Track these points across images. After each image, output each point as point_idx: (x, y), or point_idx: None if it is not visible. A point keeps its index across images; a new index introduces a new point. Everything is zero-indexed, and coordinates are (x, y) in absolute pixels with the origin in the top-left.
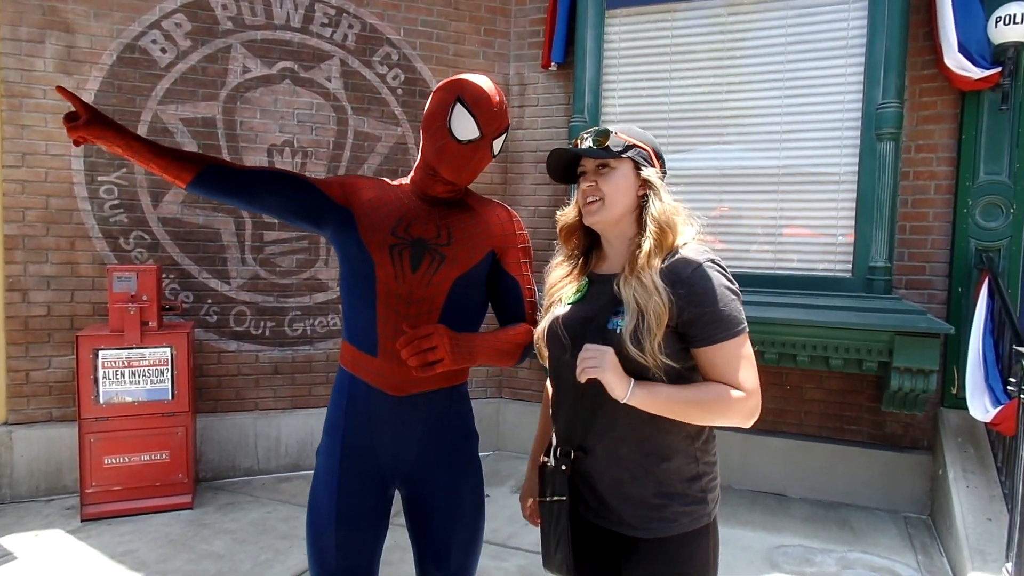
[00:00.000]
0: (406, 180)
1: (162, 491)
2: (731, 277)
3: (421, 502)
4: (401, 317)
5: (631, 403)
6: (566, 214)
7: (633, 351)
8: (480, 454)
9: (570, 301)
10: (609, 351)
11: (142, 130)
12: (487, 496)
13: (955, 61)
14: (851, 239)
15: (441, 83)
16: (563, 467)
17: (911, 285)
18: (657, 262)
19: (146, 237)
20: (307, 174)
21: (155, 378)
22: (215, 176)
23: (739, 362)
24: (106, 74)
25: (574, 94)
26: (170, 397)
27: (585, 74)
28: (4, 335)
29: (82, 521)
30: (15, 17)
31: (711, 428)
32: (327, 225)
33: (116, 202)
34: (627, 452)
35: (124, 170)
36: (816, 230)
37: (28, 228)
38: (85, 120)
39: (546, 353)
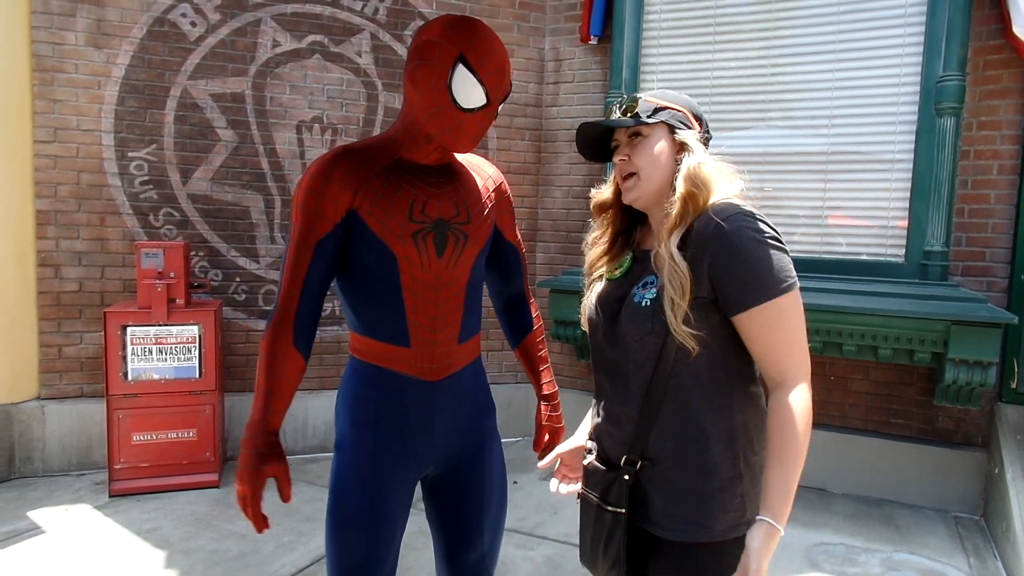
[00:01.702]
0: (384, 136)
1: (189, 469)
2: (769, 225)
3: (451, 485)
4: (430, 303)
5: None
6: (600, 192)
7: (669, 323)
8: (509, 440)
9: (611, 278)
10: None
11: (171, 106)
12: (514, 483)
13: None
14: (905, 222)
15: (432, 28)
16: (626, 476)
17: (968, 272)
18: (683, 227)
19: (176, 214)
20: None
21: (183, 356)
22: (310, 337)
23: (780, 333)
24: (136, 48)
25: (611, 69)
26: (197, 375)
27: (623, 48)
28: (37, 310)
29: (110, 497)
30: None
31: (760, 423)
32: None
33: (146, 178)
34: (681, 447)
35: (154, 146)
36: (867, 212)
37: (60, 204)
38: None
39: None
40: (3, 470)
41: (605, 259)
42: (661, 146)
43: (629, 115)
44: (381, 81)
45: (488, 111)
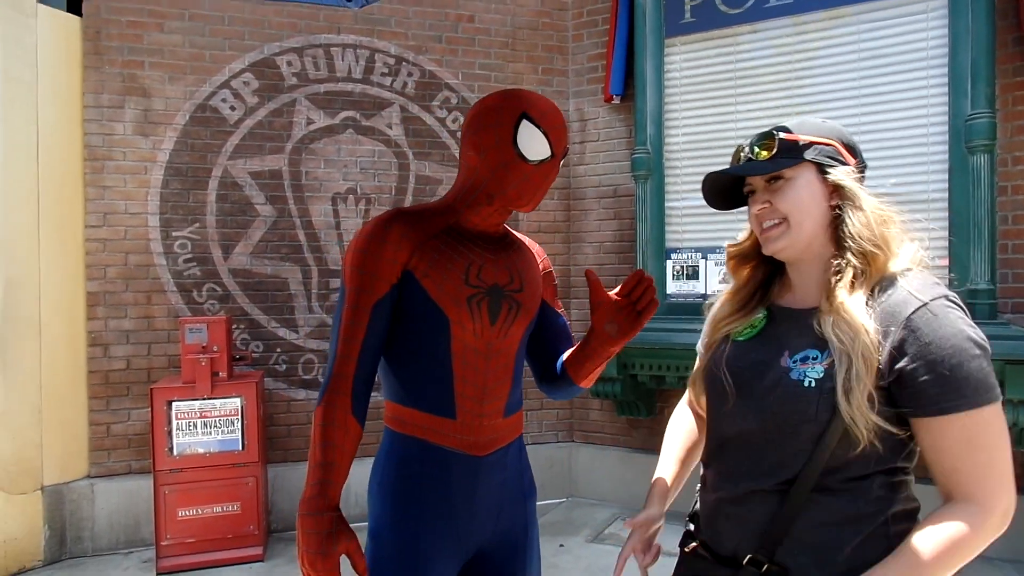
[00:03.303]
0: (439, 202)
1: (234, 543)
2: (973, 323)
3: (495, 569)
4: (480, 372)
5: None
6: (739, 244)
7: (844, 408)
8: (552, 501)
9: (740, 338)
10: None
11: (212, 185)
12: (560, 546)
13: None
14: (945, 260)
15: (490, 98)
16: None
17: (1018, 308)
18: (863, 292)
19: (218, 289)
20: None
21: (226, 428)
22: (366, 404)
23: (977, 449)
24: (179, 133)
25: (635, 126)
26: (240, 447)
27: (646, 105)
28: (87, 389)
29: (157, 575)
30: (98, 86)
31: None
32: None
33: (189, 256)
34: (821, 563)
35: (197, 224)
36: None
37: (109, 285)
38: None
39: (703, 400)
40: (55, 551)
41: (737, 316)
42: (809, 188)
43: (766, 155)
44: (412, 150)
45: (553, 164)
